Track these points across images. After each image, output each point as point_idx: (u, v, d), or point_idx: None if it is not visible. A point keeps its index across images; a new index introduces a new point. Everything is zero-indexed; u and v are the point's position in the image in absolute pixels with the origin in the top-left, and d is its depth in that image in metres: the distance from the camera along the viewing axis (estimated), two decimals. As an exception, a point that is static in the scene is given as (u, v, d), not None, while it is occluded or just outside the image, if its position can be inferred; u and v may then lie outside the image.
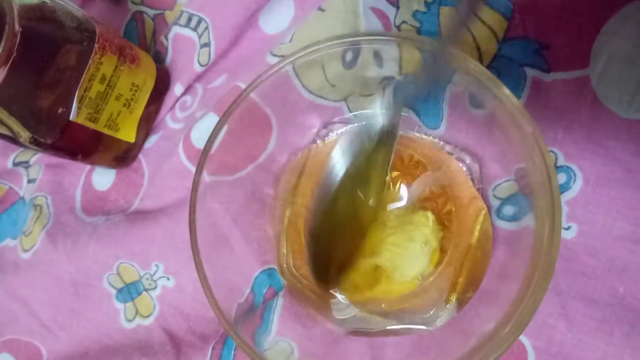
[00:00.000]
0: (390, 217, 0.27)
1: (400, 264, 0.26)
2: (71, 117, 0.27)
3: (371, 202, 0.24)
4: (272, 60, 0.27)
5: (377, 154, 0.21)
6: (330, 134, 0.29)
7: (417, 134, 0.27)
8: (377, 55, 0.25)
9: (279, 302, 0.28)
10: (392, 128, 0.19)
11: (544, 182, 0.21)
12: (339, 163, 0.22)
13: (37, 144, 0.27)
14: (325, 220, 0.21)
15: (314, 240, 0.21)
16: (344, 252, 0.25)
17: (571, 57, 0.24)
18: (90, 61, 0.27)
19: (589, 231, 0.24)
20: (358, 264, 0.26)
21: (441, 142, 0.26)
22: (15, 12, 0.23)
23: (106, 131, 0.30)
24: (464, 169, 0.26)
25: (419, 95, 0.19)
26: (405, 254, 0.26)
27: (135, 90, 0.30)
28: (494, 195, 0.25)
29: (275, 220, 0.29)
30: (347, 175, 0.19)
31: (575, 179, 0.24)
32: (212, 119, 0.28)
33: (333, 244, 0.24)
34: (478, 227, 0.26)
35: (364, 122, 0.19)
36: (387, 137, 0.20)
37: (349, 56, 0.25)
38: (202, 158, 0.25)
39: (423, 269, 0.26)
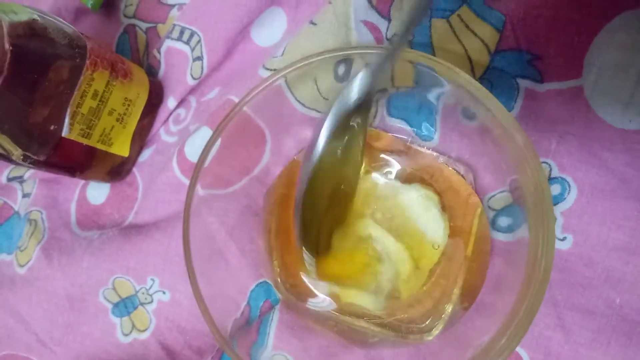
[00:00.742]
0: (377, 187, 0.27)
1: (422, 233, 0.26)
2: (63, 134, 0.27)
3: (351, 169, 0.24)
4: (264, 73, 0.27)
5: (354, 122, 0.21)
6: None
7: (413, 145, 0.27)
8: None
9: (275, 315, 0.28)
10: (366, 95, 0.19)
11: (537, 193, 0.21)
12: (319, 136, 0.22)
13: (30, 161, 0.26)
14: (310, 188, 0.21)
15: (300, 209, 0.21)
16: (330, 219, 0.25)
17: (564, 67, 0.24)
18: (81, 77, 0.27)
19: (584, 242, 0.24)
20: (345, 230, 0.26)
21: (435, 154, 0.26)
22: (5, 30, 0.23)
23: (99, 146, 0.30)
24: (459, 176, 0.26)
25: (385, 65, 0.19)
26: (427, 219, 0.26)
27: (128, 105, 0.30)
28: (489, 207, 0.25)
29: (265, 232, 0.29)
30: (328, 145, 0.19)
31: (569, 190, 0.24)
32: (205, 133, 0.28)
33: (318, 211, 0.24)
34: (476, 221, 0.26)
35: (339, 97, 0.19)
36: (362, 105, 0.20)
37: (341, 69, 0.25)
38: (195, 172, 0.25)
39: (444, 235, 0.26)
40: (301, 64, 0.24)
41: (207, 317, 0.24)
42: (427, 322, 0.26)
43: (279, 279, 0.28)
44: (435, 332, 0.26)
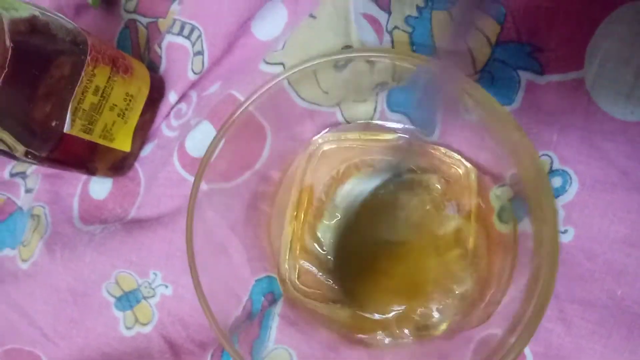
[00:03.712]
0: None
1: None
2: (65, 130, 0.27)
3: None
4: (265, 67, 0.27)
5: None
6: (325, 142, 0.29)
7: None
8: (370, 62, 0.25)
9: (278, 309, 0.28)
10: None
11: (537, 187, 0.21)
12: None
13: (33, 157, 0.27)
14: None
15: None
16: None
17: (565, 59, 0.24)
18: (82, 73, 0.27)
19: (585, 235, 0.24)
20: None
21: (437, 150, 0.26)
22: (6, 27, 0.23)
23: (101, 142, 0.30)
24: (461, 173, 0.26)
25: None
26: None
27: (130, 100, 0.30)
28: (491, 201, 0.25)
29: (274, 235, 0.29)
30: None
31: (571, 183, 0.24)
32: (206, 128, 0.28)
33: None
34: (482, 216, 0.26)
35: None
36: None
37: (341, 62, 0.25)
38: (201, 167, 0.25)
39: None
40: (303, 67, 0.24)
41: (207, 312, 0.24)
42: (434, 319, 0.26)
43: (288, 280, 0.28)
44: (443, 327, 0.26)
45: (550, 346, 0.24)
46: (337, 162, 0.29)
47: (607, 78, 0.23)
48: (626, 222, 0.23)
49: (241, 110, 0.25)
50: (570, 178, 0.24)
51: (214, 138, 0.25)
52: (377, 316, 0.26)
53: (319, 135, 0.29)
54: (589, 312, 0.23)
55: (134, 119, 0.31)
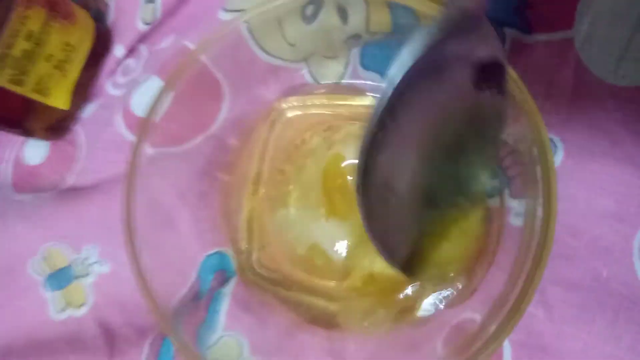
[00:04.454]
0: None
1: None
2: (-11, 78, 0.23)
3: None
4: (225, 16, 0.24)
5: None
6: (288, 108, 0.26)
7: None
8: (341, 10, 0.22)
9: (229, 289, 0.25)
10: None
11: (534, 153, 0.18)
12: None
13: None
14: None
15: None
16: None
17: (554, 16, 0.22)
18: (11, 14, 0.23)
19: (570, 209, 0.21)
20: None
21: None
22: None
23: (34, 96, 0.26)
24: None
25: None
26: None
27: (70, 51, 0.27)
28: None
29: (232, 208, 0.26)
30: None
31: (556, 151, 0.22)
32: (154, 83, 0.25)
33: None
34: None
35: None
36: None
37: (309, 10, 0.22)
38: (142, 127, 0.22)
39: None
40: (265, 8, 0.22)
41: (145, 290, 0.21)
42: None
43: (245, 262, 0.25)
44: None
45: (531, 333, 0.21)
46: (302, 130, 0.26)
47: (598, 38, 0.21)
48: (615, 195, 0.21)
49: (192, 60, 0.22)
50: (555, 146, 0.22)
51: (160, 92, 0.22)
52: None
53: (282, 100, 0.26)
54: (572, 295, 0.21)
55: (74, 73, 0.27)
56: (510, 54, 0.22)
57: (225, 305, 0.24)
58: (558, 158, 0.22)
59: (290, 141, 0.26)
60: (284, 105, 0.26)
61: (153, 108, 0.22)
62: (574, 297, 0.21)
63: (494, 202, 0.22)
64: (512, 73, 0.18)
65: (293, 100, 0.26)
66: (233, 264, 0.25)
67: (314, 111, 0.26)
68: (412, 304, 0.23)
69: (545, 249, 0.17)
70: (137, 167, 0.23)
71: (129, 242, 0.22)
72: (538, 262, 0.18)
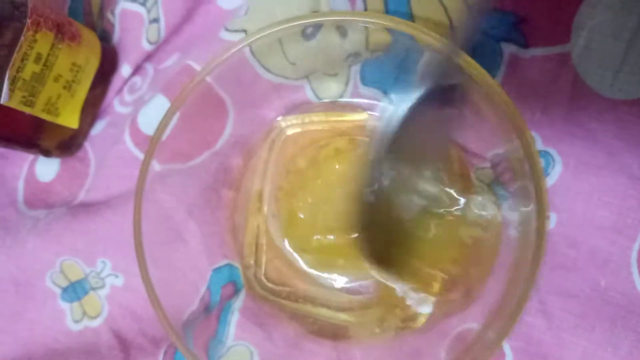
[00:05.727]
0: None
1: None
2: (2, 101, 0.24)
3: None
4: (226, 36, 0.25)
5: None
6: (288, 127, 0.26)
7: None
8: (340, 29, 0.22)
9: (239, 301, 0.25)
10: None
11: (525, 168, 0.19)
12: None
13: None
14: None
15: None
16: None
17: (551, 31, 0.22)
18: (22, 38, 0.24)
19: (568, 221, 0.22)
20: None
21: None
22: None
23: (45, 116, 0.27)
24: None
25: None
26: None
27: (77, 71, 0.27)
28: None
29: (238, 223, 0.27)
30: None
31: (554, 165, 0.22)
32: (160, 101, 0.26)
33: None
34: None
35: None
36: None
37: (309, 30, 0.23)
38: (151, 145, 0.23)
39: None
40: (267, 32, 0.22)
41: (156, 305, 0.22)
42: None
43: (253, 277, 0.26)
44: (422, 319, 0.24)
45: (530, 341, 0.22)
46: (302, 148, 0.26)
47: (595, 52, 0.21)
48: (612, 207, 0.21)
49: (197, 80, 0.23)
50: (553, 159, 0.22)
51: (167, 112, 0.23)
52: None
53: (282, 119, 0.26)
54: (571, 304, 0.22)
55: (82, 92, 0.28)
56: (507, 69, 0.23)
57: (235, 317, 0.25)
58: (556, 171, 0.22)
59: (290, 159, 0.27)
60: (282, 124, 0.27)
61: (160, 126, 0.23)
62: (573, 307, 0.22)
63: (490, 215, 0.22)
64: (504, 96, 0.18)
65: (292, 119, 0.27)
66: (243, 280, 0.26)
67: (311, 128, 0.27)
68: (414, 311, 0.24)
69: (540, 248, 0.18)
70: (145, 183, 0.23)
71: (140, 256, 0.22)
72: (533, 266, 0.18)
